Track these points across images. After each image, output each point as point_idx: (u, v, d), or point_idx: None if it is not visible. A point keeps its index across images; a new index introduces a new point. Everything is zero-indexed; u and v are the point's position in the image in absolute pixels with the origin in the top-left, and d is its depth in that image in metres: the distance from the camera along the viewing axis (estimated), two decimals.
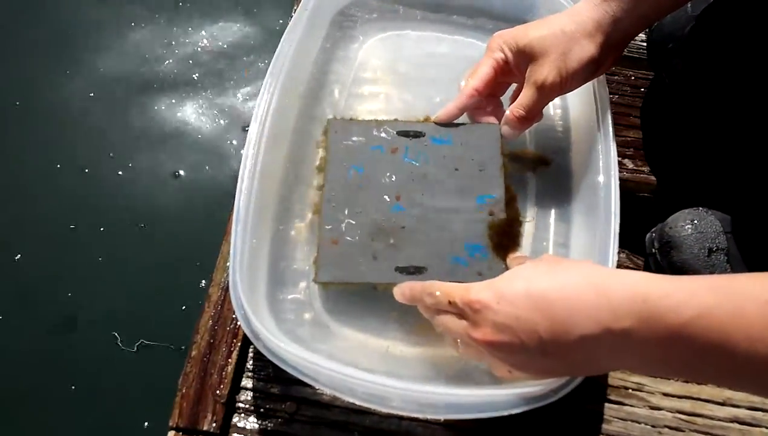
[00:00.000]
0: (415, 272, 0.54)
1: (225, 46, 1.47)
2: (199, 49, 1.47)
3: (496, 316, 0.40)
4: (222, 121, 1.38)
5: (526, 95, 0.56)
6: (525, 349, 0.39)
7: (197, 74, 1.44)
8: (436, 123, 0.61)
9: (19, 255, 1.20)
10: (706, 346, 0.33)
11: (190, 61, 1.45)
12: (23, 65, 1.42)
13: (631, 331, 0.35)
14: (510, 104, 0.59)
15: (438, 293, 0.45)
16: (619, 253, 0.52)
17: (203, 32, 1.49)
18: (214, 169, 1.32)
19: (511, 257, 0.55)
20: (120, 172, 1.30)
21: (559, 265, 0.42)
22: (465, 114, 0.62)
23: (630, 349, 0.37)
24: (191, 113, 1.39)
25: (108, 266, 1.20)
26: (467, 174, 0.59)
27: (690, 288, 0.34)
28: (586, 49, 0.53)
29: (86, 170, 1.30)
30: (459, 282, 0.47)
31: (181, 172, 1.31)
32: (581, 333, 0.37)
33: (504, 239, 0.56)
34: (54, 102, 1.38)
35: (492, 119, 0.61)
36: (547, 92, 0.55)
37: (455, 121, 0.61)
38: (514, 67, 0.57)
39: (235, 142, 1.35)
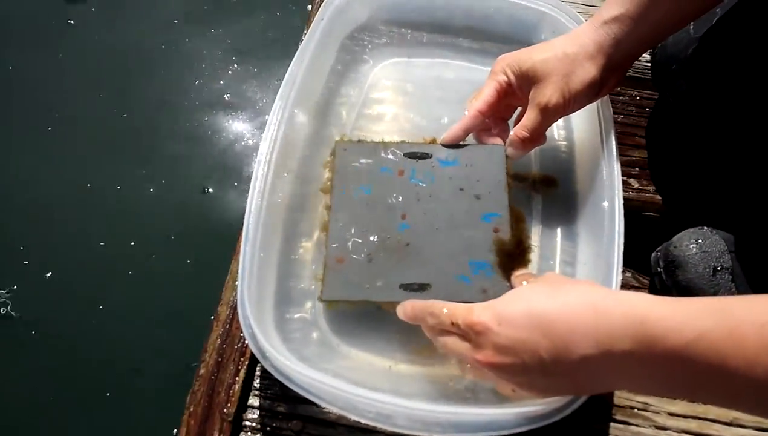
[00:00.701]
0: (419, 289, 0.55)
1: (242, 68, 1.52)
2: (219, 71, 1.52)
3: (497, 338, 0.41)
4: (246, 140, 1.42)
5: (530, 117, 0.56)
6: (527, 370, 0.40)
7: (220, 95, 1.48)
8: (442, 145, 0.62)
9: (50, 273, 1.23)
10: (704, 368, 0.33)
11: (215, 84, 1.50)
12: (54, 84, 1.48)
13: (631, 352, 0.36)
14: (515, 126, 0.60)
15: (440, 314, 0.46)
16: (624, 272, 0.53)
17: (219, 53, 1.53)
18: (241, 184, 1.36)
19: (516, 275, 0.55)
20: (151, 189, 1.34)
21: (560, 285, 0.42)
22: (471, 136, 0.63)
23: (629, 369, 0.37)
24: (218, 131, 1.43)
25: (136, 280, 1.23)
26: (472, 194, 0.59)
27: (688, 311, 0.35)
28: (588, 70, 0.54)
29: (118, 187, 1.34)
30: (463, 299, 0.49)
31: (210, 190, 1.34)
32: (581, 354, 0.38)
33: (510, 257, 0.57)
34: (85, 120, 1.42)
35: (498, 141, 0.62)
36: (550, 114, 0.56)
37: (462, 143, 0.62)
38: (517, 89, 0.58)
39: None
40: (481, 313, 0.42)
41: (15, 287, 1.21)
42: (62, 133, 1.40)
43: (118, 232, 1.28)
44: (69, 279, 1.23)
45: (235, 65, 1.52)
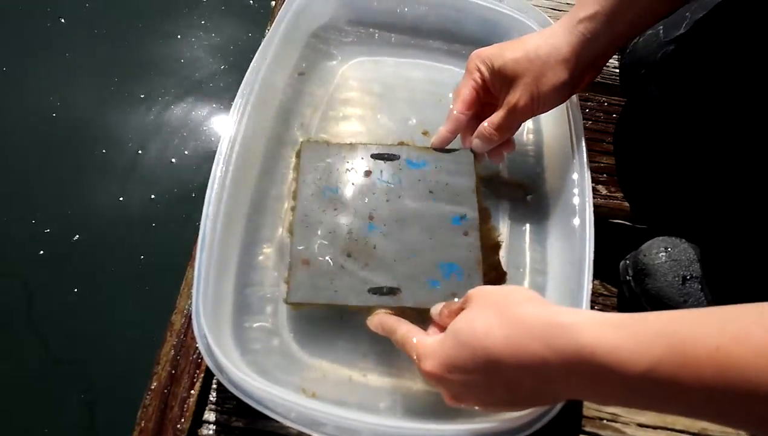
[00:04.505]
0: (388, 293, 0.53)
1: (201, 62, 1.48)
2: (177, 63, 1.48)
3: (451, 384, 0.41)
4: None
5: (499, 115, 0.56)
6: (485, 404, 0.42)
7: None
8: (433, 148, 0.61)
9: (77, 235, 1.21)
10: (662, 396, 0.32)
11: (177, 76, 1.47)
12: (59, 72, 1.44)
13: (584, 384, 0.36)
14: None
15: (402, 346, 0.47)
16: (592, 280, 0.52)
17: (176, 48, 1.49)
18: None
19: (437, 311, 0.49)
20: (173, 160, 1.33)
21: (503, 313, 0.40)
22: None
23: (584, 395, 0.38)
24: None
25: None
26: (441, 197, 0.58)
27: (638, 338, 0.33)
28: (560, 74, 0.53)
29: (140, 152, 1.32)
30: (434, 303, 0.49)
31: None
32: (534, 386, 0.38)
33: (483, 263, 0.56)
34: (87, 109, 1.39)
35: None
36: (518, 114, 0.55)
37: (430, 146, 0.61)
38: (491, 87, 0.57)
39: None
40: (429, 364, 0.42)
41: None
42: (59, 116, 1.37)
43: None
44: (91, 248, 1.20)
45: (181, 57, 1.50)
